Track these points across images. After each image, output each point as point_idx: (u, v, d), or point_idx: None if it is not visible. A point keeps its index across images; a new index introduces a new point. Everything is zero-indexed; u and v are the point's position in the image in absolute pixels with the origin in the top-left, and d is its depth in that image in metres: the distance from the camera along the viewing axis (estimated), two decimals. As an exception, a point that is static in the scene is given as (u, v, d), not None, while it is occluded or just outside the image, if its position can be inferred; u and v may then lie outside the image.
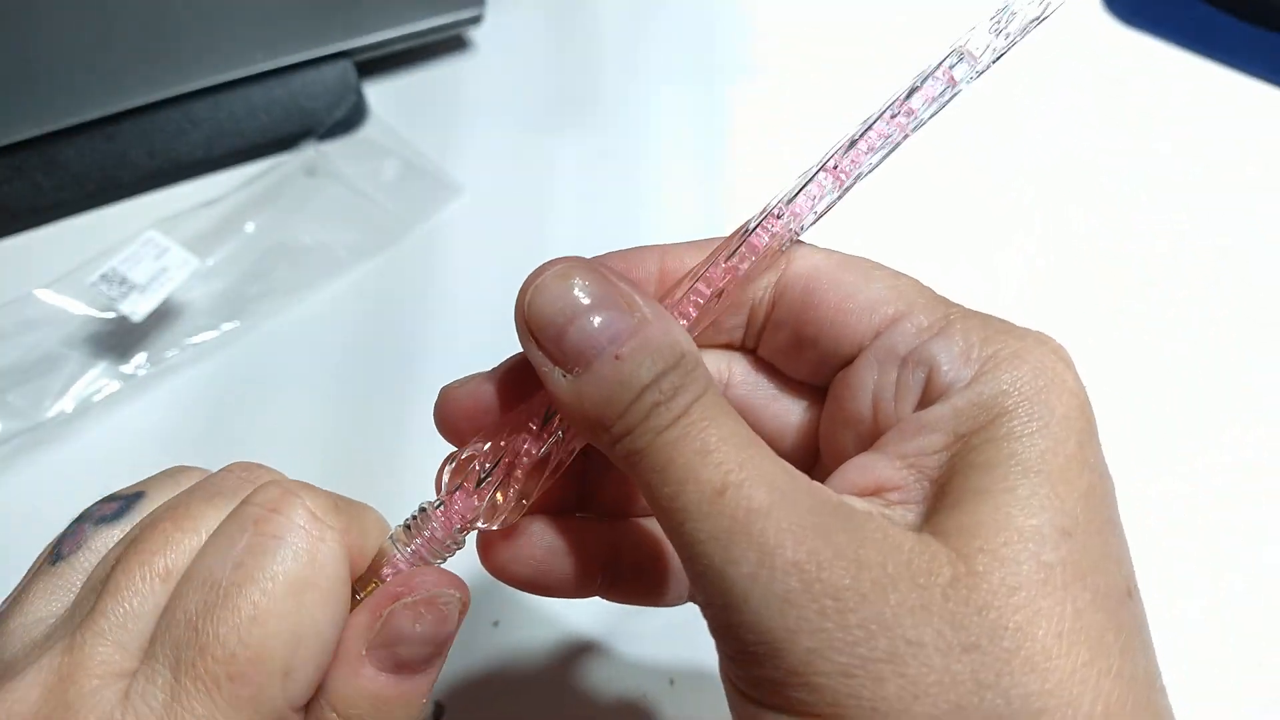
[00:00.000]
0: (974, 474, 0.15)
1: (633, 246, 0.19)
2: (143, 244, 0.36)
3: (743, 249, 0.18)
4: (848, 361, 0.18)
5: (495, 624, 0.29)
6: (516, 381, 0.19)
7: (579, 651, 0.29)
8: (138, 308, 0.35)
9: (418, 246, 0.40)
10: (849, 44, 0.50)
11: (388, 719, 0.17)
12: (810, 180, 0.18)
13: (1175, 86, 0.48)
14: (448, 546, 0.19)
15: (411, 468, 0.33)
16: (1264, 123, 0.47)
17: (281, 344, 0.37)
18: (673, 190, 0.43)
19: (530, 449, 0.18)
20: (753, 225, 0.18)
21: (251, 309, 0.37)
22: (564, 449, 0.18)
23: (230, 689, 0.15)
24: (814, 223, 0.18)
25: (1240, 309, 0.39)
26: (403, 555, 0.19)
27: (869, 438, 0.17)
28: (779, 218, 0.18)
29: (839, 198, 0.19)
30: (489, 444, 0.18)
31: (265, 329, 0.37)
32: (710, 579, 0.15)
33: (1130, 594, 0.15)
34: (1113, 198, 0.43)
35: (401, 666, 0.17)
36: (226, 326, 0.37)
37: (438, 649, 0.17)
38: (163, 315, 0.37)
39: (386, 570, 0.19)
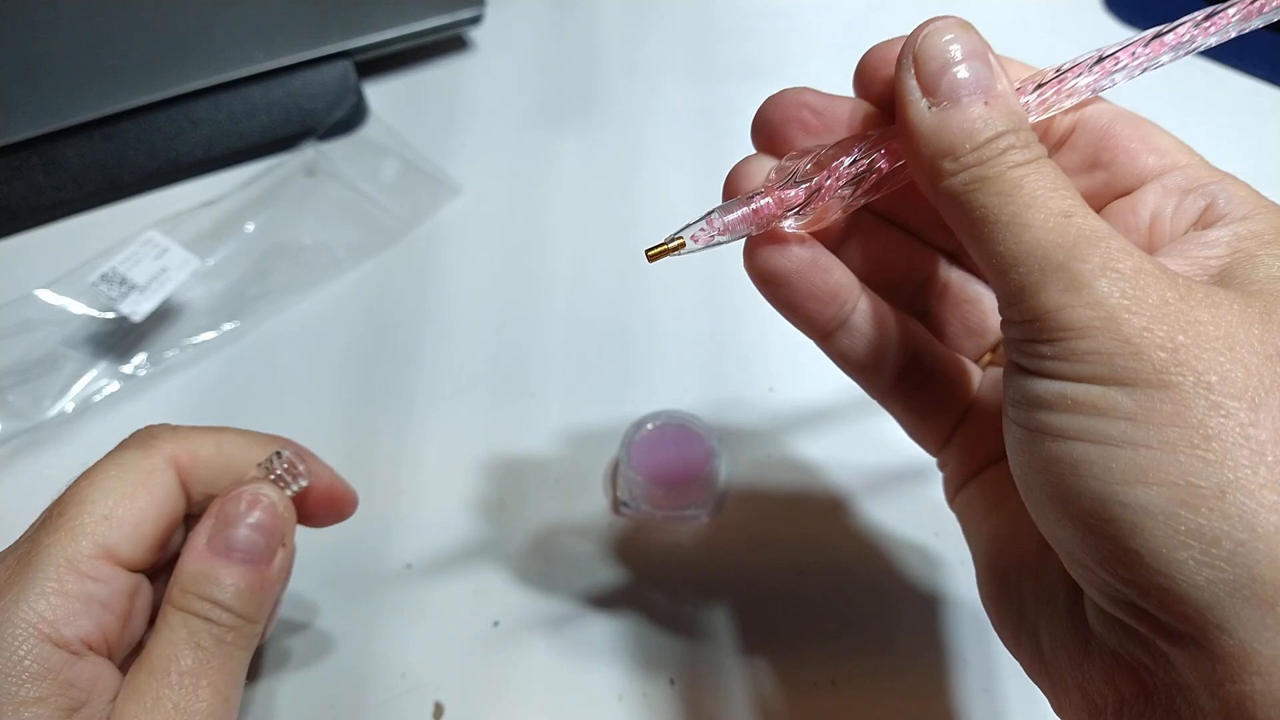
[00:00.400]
0: (1269, 264, 0.17)
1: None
2: (143, 244, 0.36)
3: (1063, 84, 0.20)
4: (1126, 192, 0.21)
5: (495, 624, 0.29)
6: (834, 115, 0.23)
7: (579, 651, 0.29)
8: (138, 308, 0.35)
9: (417, 246, 0.40)
10: (849, 43, 0.50)
11: (233, 603, 0.22)
12: (1136, 42, 0.21)
13: (1175, 87, 0.48)
14: (749, 229, 0.21)
15: (411, 465, 0.33)
16: (1265, 123, 0.47)
17: (281, 344, 0.37)
18: (672, 190, 0.43)
19: (845, 168, 0.20)
20: (1067, 66, 0.20)
21: (251, 309, 0.37)
22: (870, 182, 0.20)
23: (57, 521, 0.22)
24: (1125, 80, 0.22)
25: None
26: (276, 473, 0.25)
27: (1149, 243, 0.20)
28: (1101, 63, 0.21)
29: (1147, 67, 0.22)
30: (808, 157, 0.21)
31: (265, 329, 0.37)
32: (1050, 270, 0.17)
33: None
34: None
35: (233, 551, 0.22)
36: (226, 326, 0.37)
37: (265, 537, 0.22)
38: (163, 315, 0.37)
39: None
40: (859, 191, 0.20)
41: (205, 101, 0.42)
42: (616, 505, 0.32)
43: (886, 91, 0.22)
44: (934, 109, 0.18)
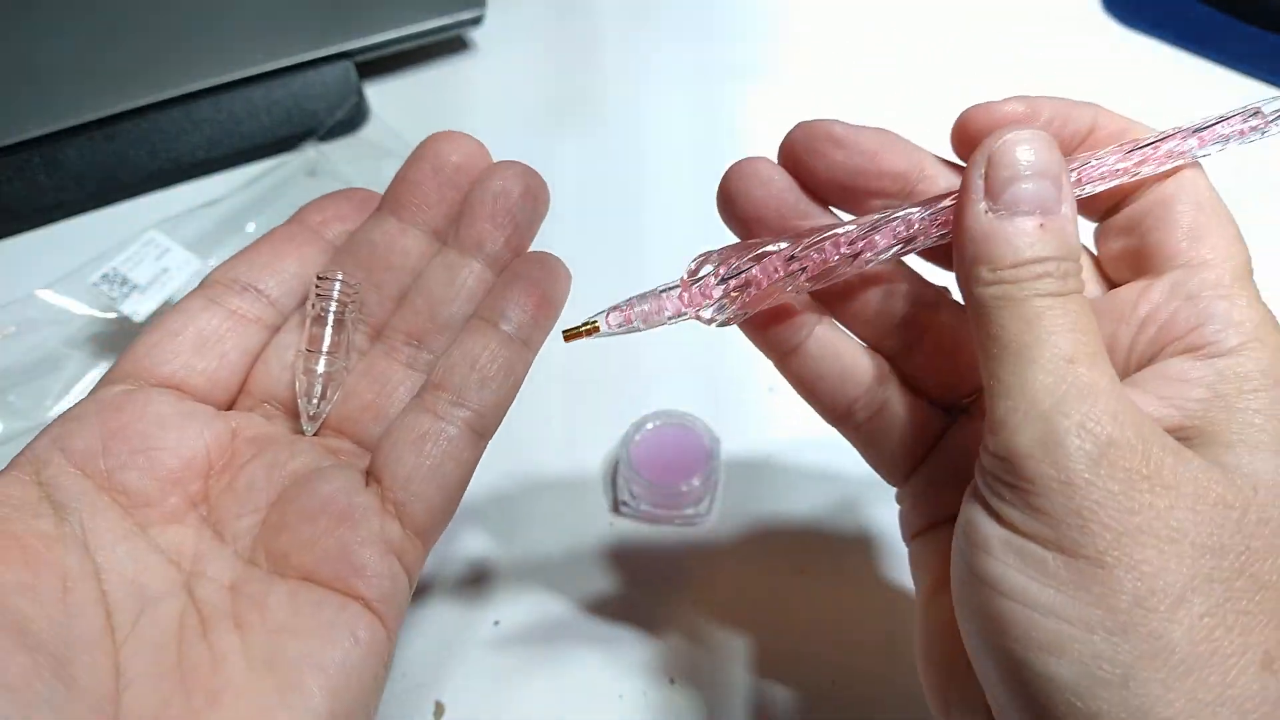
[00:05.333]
0: (1243, 428, 0.17)
1: (1076, 101, 0.22)
2: (144, 244, 0.37)
3: (1157, 150, 0.20)
4: (1148, 271, 0.20)
5: (496, 623, 0.29)
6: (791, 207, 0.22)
7: (579, 650, 0.29)
8: (139, 308, 0.35)
9: (418, 247, 0.40)
10: (849, 43, 0.50)
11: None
12: (1220, 121, 0.21)
13: (1174, 87, 0.48)
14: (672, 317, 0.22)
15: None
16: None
17: (282, 344, 0.37)
18: (672, 190, 0.43)
19: (779, 270, 0.21)
20: (1160, 137, 0.20)
21: (252, 309, 0.37)
22: (803, 281, 0.21)
23: None
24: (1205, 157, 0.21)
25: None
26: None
27: (1136, 342, 0.20)
28: (1188, 137, 0.21)
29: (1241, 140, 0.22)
30: (745, 252, 0.21)
31: (266, 329, 0.37)
32: (1033, 416, 0.17)
33: None
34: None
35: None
36: (227, 327, 0.37)
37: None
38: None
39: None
40: (803, 280, 0.21)
41: (206, 102, 0.42)
42: (617, 505, 0.32)
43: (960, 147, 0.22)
44: (989, 214, 0.19)
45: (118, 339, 0.36)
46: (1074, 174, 0.20)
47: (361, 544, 0.19)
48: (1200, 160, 0.21)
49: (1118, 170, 0.20)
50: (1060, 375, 0.17)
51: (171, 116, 0.41)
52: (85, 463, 0.20)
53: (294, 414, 0.22)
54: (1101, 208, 0.22)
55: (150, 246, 0.37)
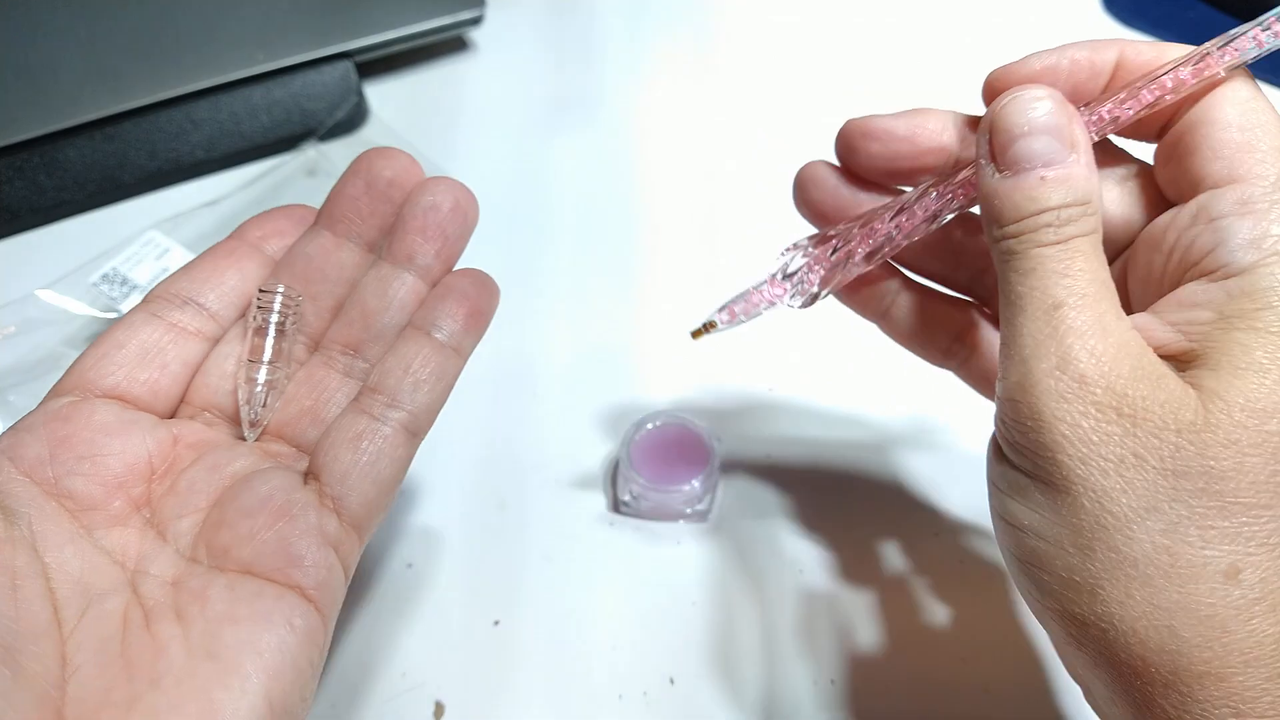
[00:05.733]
0: (1236, 350, 0.18)
1: (1099, 39, 0.22)
2: (144, 244, 0.37)
3: (1189, 69, 0.20)
4: (1184, 197, 0.21)
5: (496, 623, 0.29)
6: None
7: (579, 650, 0.29)
8: (138, 308, 0.35)
9: (418, 247, 0.40)
10: (847, 43, 0.50)
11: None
12: (1252, 28, 0.20)
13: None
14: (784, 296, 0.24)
15: (412, 465, 0.33)
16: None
17: (282, 344, 0.37)
18: (672, 189, 0.43)
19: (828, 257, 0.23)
20: (1202, 53, 0.20)
21: (252, 309, 0.37)
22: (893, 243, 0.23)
23: None
24: (1249, 60, 0.20)
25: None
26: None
27: (1166, 270, 0.21)
28: (1225, 49, 0.20)
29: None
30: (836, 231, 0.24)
31: (266, 329, 0.37)
32: (1017, 360, 0.19)
33: None
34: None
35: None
36: (227, 326, 0.37)
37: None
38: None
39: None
40: (863, 258, 0.23)
41: (206, 102, 0.42)
42: (616, 504, 0.32)
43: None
44: (997, 176, 0.20)
45: (117, 339, 0.36)
46: (1097, 113, 0.21)
47: (299, 536, 0.21)
48: (1243, 70, 0.21)
49: (1145, 101, 0.21)
50: (1044, 321, 0.19)
51: (171, 116, 0.41)
52: (33, 470, 0.21)
53: (235, 421, 0.24)
54: (1155, 129, 0.22)
55: (150, 246, 0.37)
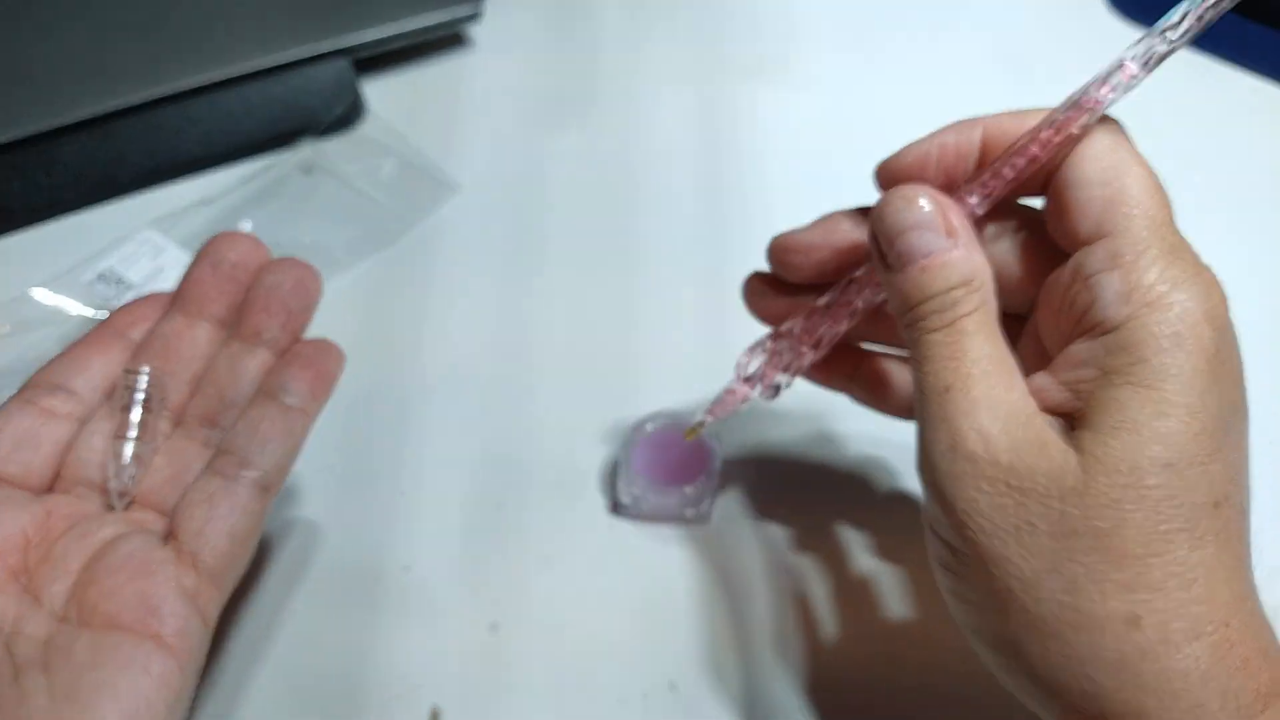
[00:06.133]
0: (1113, 408, 0.19)
1: (958, 120, 0.23)
2: (140, 243, 0.36)
3: (1051, 129, 0.22)
4: (1073, 251, 0.22)
5: (494, 627, 0.29)
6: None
7: (578, 654, 0.29)
8: (132, 307, 0.35)
9: (415, 244, 0.40)
10: (849, 42, 0.50)
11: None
12: (1115, 70, 0.22)
13: (1179, 84, 0.48)
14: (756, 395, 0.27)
15: (409, 466, 0.33)
16: (1270, 121, 0.46)
17: (279, 344, 0.37)
18: (671, 188, 0.43)
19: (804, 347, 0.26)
20: (1061, 111, 0.22)
21: (249, 308, 0.37)
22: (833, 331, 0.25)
23: None
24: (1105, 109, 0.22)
25: (1243, 309, 0.39)
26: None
27: (1060, 327, 0.22)
28: (1082, 106, 0.22)
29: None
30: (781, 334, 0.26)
31: (263, 328, 0.37)
32: (919, 444, 0.21)
33: (1218, 505, 0.19)
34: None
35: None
36: (224, 326, 0.37)
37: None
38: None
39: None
40: (806, 360, 0.26)
41: (202, 99, 0.41)
42: (616, 506, 0.32)
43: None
44: (889, 270, 0.22)
45: (113, 338, 0.36)
46: (972, 193, 0.22)
47: (158, 589, 0.23)
48: (1104, 120, 0.22)
49: (1018, 168, 0.22)
50: (936, 404, 0.21)
51: (167, 114, 0.41)
52: None
53: (104, 492, 0.26)
54: (1038, 187, 0.23)
55: (146, 245, 0.36)
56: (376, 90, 0.45)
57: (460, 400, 0.35)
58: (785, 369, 0.26)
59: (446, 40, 0.48)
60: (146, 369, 0.26)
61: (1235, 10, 0.57)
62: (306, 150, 0.42)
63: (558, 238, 0.41)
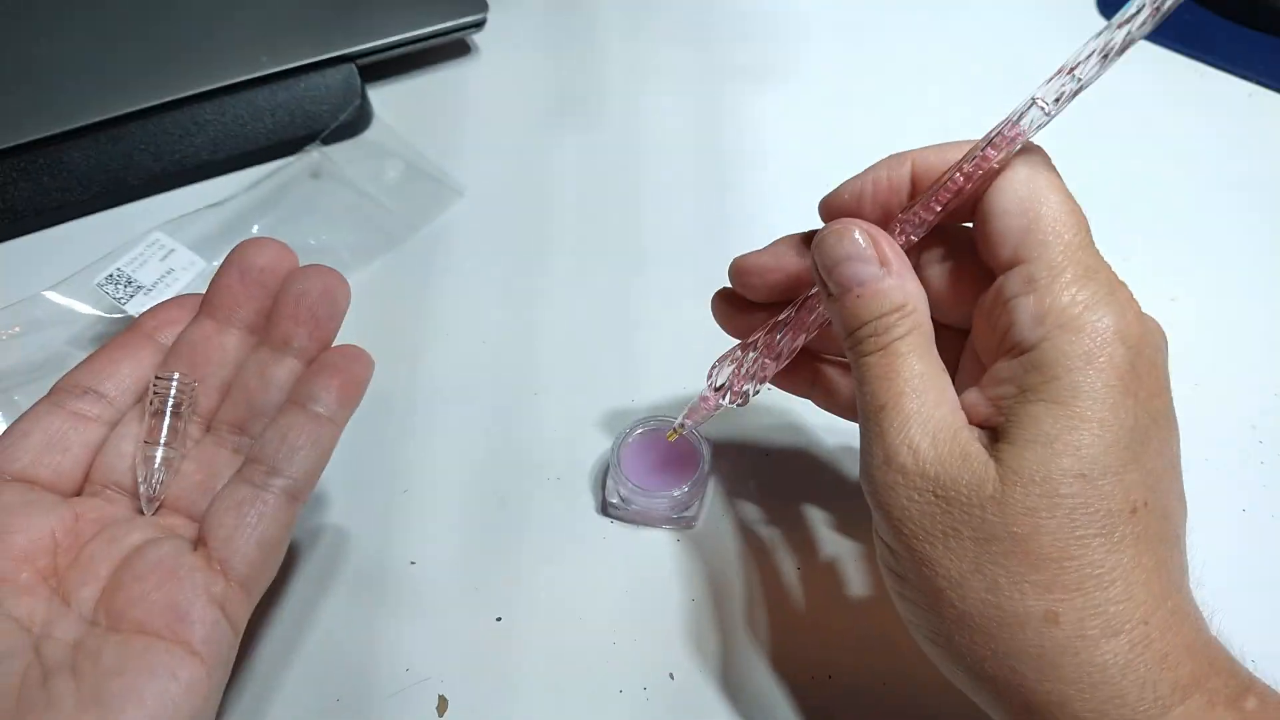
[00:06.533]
0: (1028, 422, 0.21)
1: (889, 155, 0.25)
2: (149, 245, 0.37)
3: (972, 164, 0.23)
4: (990, 278, 0.23)
5: (498, 619, 0.30)
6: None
7: (580, 646, 0.29)
8: (144, 308, 0.35)
9: (421, 248, 0.40)
10: (845, 45, 0.51)
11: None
12: (1029, 107, 0.23)
13: (1169, 89, 0.49)
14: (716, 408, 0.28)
15: (414, 464, 0.34)
16: (1258, 125, 0.47)
17: (286, 344, 0.37)
18: (673, 192, 0.43)
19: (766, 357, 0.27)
20: (983, 145, 0.23)
21: (256, 309, 0.38)
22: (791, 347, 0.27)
23: None
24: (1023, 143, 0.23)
25: (1236, 309, 0.40)
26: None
27: (989, 346, 0.23)
28: (1005, 139, 0.23)
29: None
30: (748, 347, 0.27)
31: (270, 329, 0.37)
32: (861, 454, 0.23)
33: (1135, 511, 0.20)
34: (1106, 201, 0.44)
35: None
36: (232, 327, 0.37)
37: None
38: (169, 316, 0.37)
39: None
40: (768, 371, 0.27)
41: (211, 105, 0.42)
42: (605, 506, 0.32)
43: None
44: (831, 297, 0.24)
45: (123, 339, 0.37)
46: (904, 224, 0.24)
47: (187, 596, 0.23)
48: (1026, 147, 0.23)
49: (943, 201, 0.23)
50: (873, 422, 0.22)
51: (176, 119, 0.42)
52: None
53: (134, 496, 0.26)
54: (966, 215, 0.24)
55: (155, 247, 0.37)
56: (383, 96, 0.46)
57: (464, 399, 0.35)
58: (751, 378, 0.27)
59: (451, 47, 0.49)
60: (176, 375, 0.26)
61: (1225, 15, 0.58)
62: (314, 155, 0.42)
63: (560, 240, 0.41)
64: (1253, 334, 0.39)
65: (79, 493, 0.26)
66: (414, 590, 0.30)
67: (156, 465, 0.25)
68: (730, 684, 0.28)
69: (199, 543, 0.24)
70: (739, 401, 0.28)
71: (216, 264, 0.38)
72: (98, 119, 0.40)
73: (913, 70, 0.49)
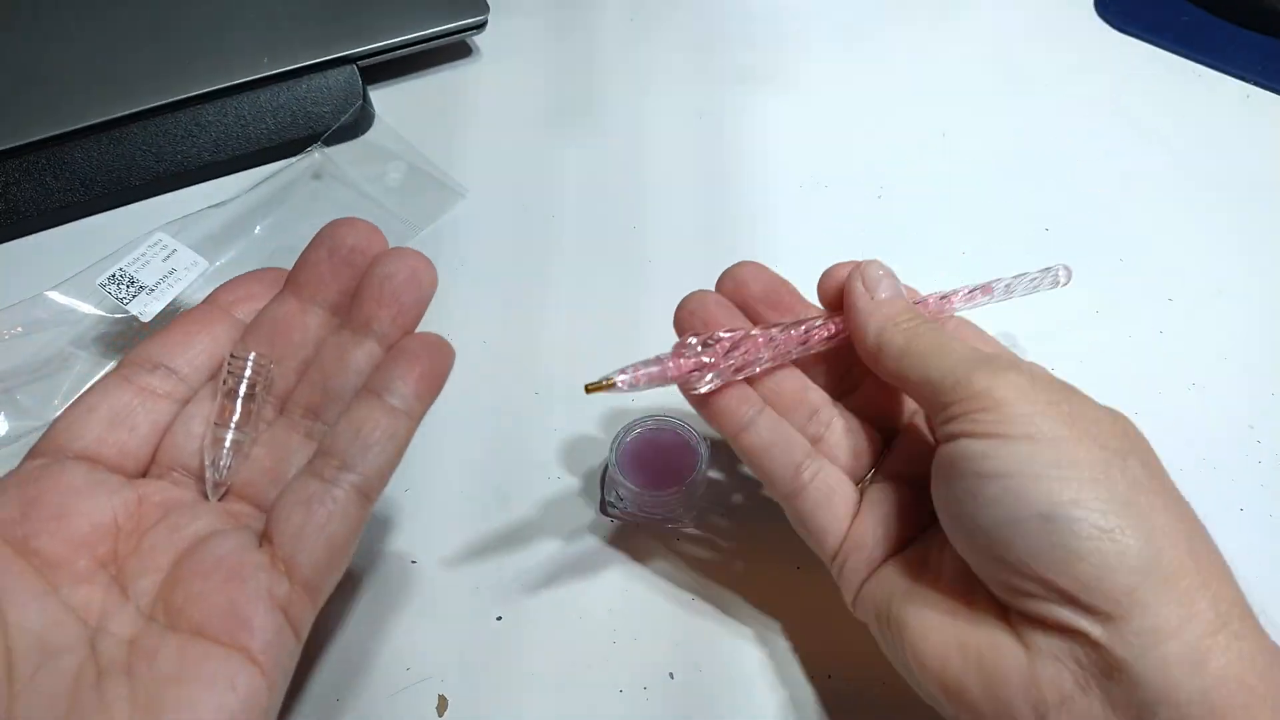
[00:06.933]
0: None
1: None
2: (151, 245, 0.37)
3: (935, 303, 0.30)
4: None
5: (499, 619, 0.30)
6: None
7: (580, 645, 0.29)
8: (146, 308, 0.35)
9: (423, 248, 0.39)
10: (845, 49, 0.51)
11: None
12: (974, 290, 0.31)
13: (1167, 91, 0.49)
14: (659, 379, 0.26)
15: (416, 463, 0.34)
16: (1256, 126, 0.47)
17: (288, 344, 0.37)
18: (673, 194, 0.43)
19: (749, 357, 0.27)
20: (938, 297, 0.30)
21: (258, 310, 0.38)
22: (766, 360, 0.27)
23: None
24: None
25: (1236, 309, 0.40)
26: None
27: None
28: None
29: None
30: (730, 336, 0.27)
31: (271, 329, 0.38)
32: (908, 381, 0.25)
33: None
34: (1106, 202, 0.44)
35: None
36: (233, 327, 0.37)
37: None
38: (171, 316, 0.37)
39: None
40: (769, 358, 0.27)
41: (213, 106, 0.42)
42: (604, 507, 0.32)
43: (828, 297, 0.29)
44: (875, 299, 0.27)
45: (125, 339, 0.37)
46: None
47: (249, 599, 0.21)
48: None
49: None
50: (972, 350, 0.25)
51: (178, 120, 0.42)
52: (5, 529, 0.22)
53: (201, 479, 0.25)
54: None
55: (157, 248, 0.37)
56: (385, 98, 0.46)
57: (465, 399, 0.36)
58: (730, 372, 0.26)
59: (453, 49, 0.49)
60: (253, 354, 0.25)
61: (1223, 16, 0.58)
62: (316, 156, 0.42)
63: (562, 242, 0.41)
64: (1250, 334, 0.39)
65: (144, 474, 0.24)
66: (414, 589, 0.30)
67: (226, 449, 0.24)
68: (730, 684, 0.29)
69: (264, 538, 0.23)
70: (707, 388, 0.26)
71: (219, 264, 0.38)
72: (101, 120, 0.41)
73: (914, 73, 0.49)
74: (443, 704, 0.28)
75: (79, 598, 0.22)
